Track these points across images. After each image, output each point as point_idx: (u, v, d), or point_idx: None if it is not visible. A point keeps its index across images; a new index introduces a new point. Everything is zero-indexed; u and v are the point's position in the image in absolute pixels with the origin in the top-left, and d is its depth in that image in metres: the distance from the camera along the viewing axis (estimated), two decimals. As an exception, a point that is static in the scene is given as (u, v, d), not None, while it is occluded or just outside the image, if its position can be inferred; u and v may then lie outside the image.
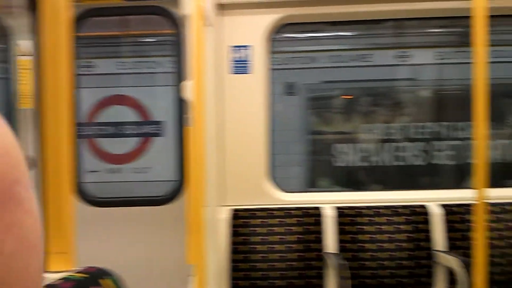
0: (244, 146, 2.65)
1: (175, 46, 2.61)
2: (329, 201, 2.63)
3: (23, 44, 2.13)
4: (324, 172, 4.21)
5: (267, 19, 2.63)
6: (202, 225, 1.97)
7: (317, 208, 2.59)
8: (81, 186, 2.62)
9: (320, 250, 2.53)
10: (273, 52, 2.76)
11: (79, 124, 2.80)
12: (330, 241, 2.54)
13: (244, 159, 2.66)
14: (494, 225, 2.52)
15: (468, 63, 2.10)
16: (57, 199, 1.43)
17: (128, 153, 3.14)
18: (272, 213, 2.59)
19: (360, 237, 2.55)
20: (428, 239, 2.54)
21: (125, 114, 3.15)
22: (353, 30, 4.31)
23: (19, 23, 2.16)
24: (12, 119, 2.10)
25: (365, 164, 4.00)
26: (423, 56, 4.45)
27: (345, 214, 2.58)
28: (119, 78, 3.51)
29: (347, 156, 3.92)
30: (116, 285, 1.20)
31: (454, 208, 2.54)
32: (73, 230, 1.46)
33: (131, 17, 2.98)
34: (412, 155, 4.05)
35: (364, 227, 2.56)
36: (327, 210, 2.59)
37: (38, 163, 1.76)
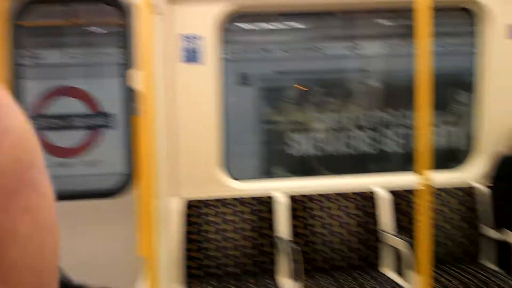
0: (197, 136, 2.65)
1: (124, 36, 2.56)
2: (282, 189, 2.67)
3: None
4: (277, 161, 4.27)
5: (218, 8, 2.62)
6: (153, 216, 1.96)
7: (270, 196, 2.63)
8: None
9: (273, 236, 2.58)
10: (226, 42, 2.76)
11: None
12: (283, 228, 2.59)
13: (197, 150, 2.65)
14: (438, 207, 2.65)
15: (414, 54, 2.18)
16: None
17: (77, 146, 3.06)
18: (226, 202, 2.61)
19: (312, 223, 2.61)
20: (376, 222, 2.63)
21: (73, 106, 3.06)
22: (305, 22, 4.36)
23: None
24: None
25: (318, 152, 4.09)
26: (372, 47, 4.57)
27: (297, 201, 2.64)
28: (67, 69, 3.40)
29: (300, 145, 3.99)
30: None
31: (401, 192, 2.65)
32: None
33: (79, 6, 2.89)
34: (362, 142, 4.17)
35: (316, 213, 2.63)
36: (280, 197, 2.64)
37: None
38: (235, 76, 4.25)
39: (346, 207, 2.66)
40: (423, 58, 2.12)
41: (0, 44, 1.40)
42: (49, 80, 3.16)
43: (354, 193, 2.68)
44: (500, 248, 2.59)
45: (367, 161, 4.29)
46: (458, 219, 2.67)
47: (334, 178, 2.86)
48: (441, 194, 2.67)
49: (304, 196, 2.65)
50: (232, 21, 2.75)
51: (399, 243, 2.48)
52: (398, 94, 4.70)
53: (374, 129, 4.45)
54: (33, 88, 3.00)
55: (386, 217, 2.64)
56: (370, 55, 4.47)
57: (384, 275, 2.49)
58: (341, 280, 2.42)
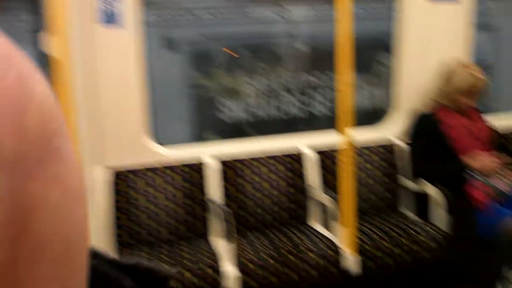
0: (120, 102, 2.57)
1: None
2: (212, 154, 2.68)
3: None
4: (208, 126, 4.26)
5: None
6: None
7: (201, 162, 2.63)
8: None
9: (205, 201, 2.60)
10: (148, 4, 2.66)
11: None
12: (215, 192, 2.62)
13: (121, 116, 2.58)
14: (361, 163, 2.78)
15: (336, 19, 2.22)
16: None
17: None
18: (155, 169, 2.58)
19: (244, 185, 2.66)
20: (305, 181, 2.73)
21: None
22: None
23: None
24: None
25: (249, 117, 4.13)
26: (299, 11, 4.61)
27: (228, 165, 2.66)
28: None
29: (231, 110, 4.00)
30: None
31: (327, 151, 2.75)
32: None
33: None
34: (292, 106, 4.26)
35: (247, 176, 2.68)
36: (211, 162, 2.65)
37: None
38: (161, 40, 4.12)
39: (276, 168, 2.72)
40: (344, 21, 2.17)
41: None
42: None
43: (284, 155, 2.75)
44: (418, 199, 2.79)
45: (298, 124, 4.39)
46: (379, 174, 2.84)
47: (263, 141, 2.90)
48: (363, 151, 2.80)
49: (235, 160, 2.68)
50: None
51: (326, 198, 2.60)
52: (324, 58, 4.81)
53: (302, 92, 4.54)
54: None
55: (313, 175, 2.74)
56: (297, 19, 4.51)
57: (312, 228, 2.61)
58: (272, 236, 2.51)
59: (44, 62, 2.18)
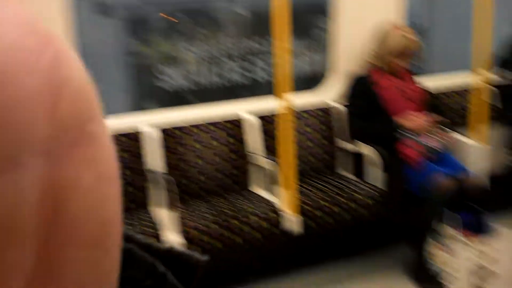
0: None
1: None
2: (152, 123, 2.63)
3: None
4: (147, 94, 4.15)
5: None
6: None
7: (138, 131, 2.58)
8: None
9: (145, 171, 2.56)
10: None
11: None
12: (156, 162, 2.58)
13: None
14: (301, 127, 2.84)
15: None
16: None
17: None
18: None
19: (186, 154, 2.64)
20: (246, 146, 2.75)
21: None
22: None
23: None
24: None
25: (189, 84, 4.05)
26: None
27: (169, 134, 2.63)
28: None
29: (170, 77, 3.91)
30: None
31: (267, 116, 2.77)
32: None
33: None
34: (234, 72, 4.22)
35: (188, 143, 2.65)
36: (150, 131, 2.60)
37: None
38: (93, 5, 3.91)
39: (218, 135, 2.72)
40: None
41: None
42: None
43: (225, 121, 2.75)
44: (354, 159, 2.90)
45: (240, 90, 4.37)
46: (318, 137, 2.91)
47: (204, 108, 2.88)
48: (302, 114, 2.85)
49: (175, 128, 2.65)
50: None
51: (267, 163, 2.64)
52: (265, 22, 4.77)
53: (244, 58, 4.51)
54: None
55: (254, 141, 2.77)
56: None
57: (255, 193, 2.66)
58: (215, 203, 2.53)
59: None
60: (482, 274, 2.46)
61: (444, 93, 3.27)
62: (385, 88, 2.77)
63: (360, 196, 2.60)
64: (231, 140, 2.74)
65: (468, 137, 2.95)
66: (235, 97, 3.31)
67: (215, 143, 2.70)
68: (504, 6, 3.40)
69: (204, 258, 0.31)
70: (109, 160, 0.22)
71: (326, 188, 2.65)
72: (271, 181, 2.61)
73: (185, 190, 2.61)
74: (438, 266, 2.52)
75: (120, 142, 2.53)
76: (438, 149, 2.66)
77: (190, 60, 4.23)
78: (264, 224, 2.42)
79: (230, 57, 4.39)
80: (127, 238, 0.28)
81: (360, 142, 2.81)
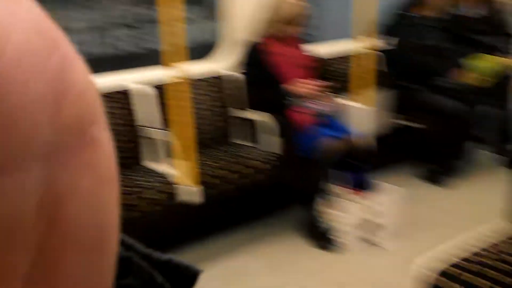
0: None
1: None
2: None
3: None
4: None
5: None
6: None
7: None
8: None
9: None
10: None
11: None
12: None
13: None
14: (197, 96, 2.81)
15: None
16: None
17: None
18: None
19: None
20: (137, 118, 2.66)
21: None
22: None
23: None
24: None
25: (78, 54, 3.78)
26: None
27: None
28: None
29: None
30: None
31: (160, 87, 2.69)
32: None
33: None
34: (124, 41, 4.02)
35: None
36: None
37: None
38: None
39: (112, 107, 2.59)
40: None
41: None
42: None
43: (115, 92, 2.63)
44: (249, 126, 2.96)
45: (132, 60, 4.18)
46: (212, 106, 2.91)
47: (94, 79, 2.72)
48: (196, 84, 2.82)
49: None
50: None
51: (162, 134, 2.59)
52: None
53: (136, 27, 4.31)
54: None
55: (146, 112, 2.68)
56: None
57: (147, 167, 2.59)
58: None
59: None
60: (368, 227, 2.69)
61: (332, 59, 3.43)
62: (276, 56, 2.83)
63: (257, 163, 2.67)
64: (121, 111, 2.63)
65: (355, 100, 3.14)
66: (127, 67, 3.17)
67: (108, 115, 2.58)
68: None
69: (201, 270, 0.31)
70: (109, 164, 0.22)
71: (223, 156, 2.68)
72: (167, 153, 2.57)
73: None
74: (329, 223, 2.70)
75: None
76: (326, 113, 2.81)
77: (79, 29, 3.95)
78: (163, 196, 2.39)
79: (120, 25, 4.17)
80: (127, 247, 0.28)
81: (254, 110, 2.87)
